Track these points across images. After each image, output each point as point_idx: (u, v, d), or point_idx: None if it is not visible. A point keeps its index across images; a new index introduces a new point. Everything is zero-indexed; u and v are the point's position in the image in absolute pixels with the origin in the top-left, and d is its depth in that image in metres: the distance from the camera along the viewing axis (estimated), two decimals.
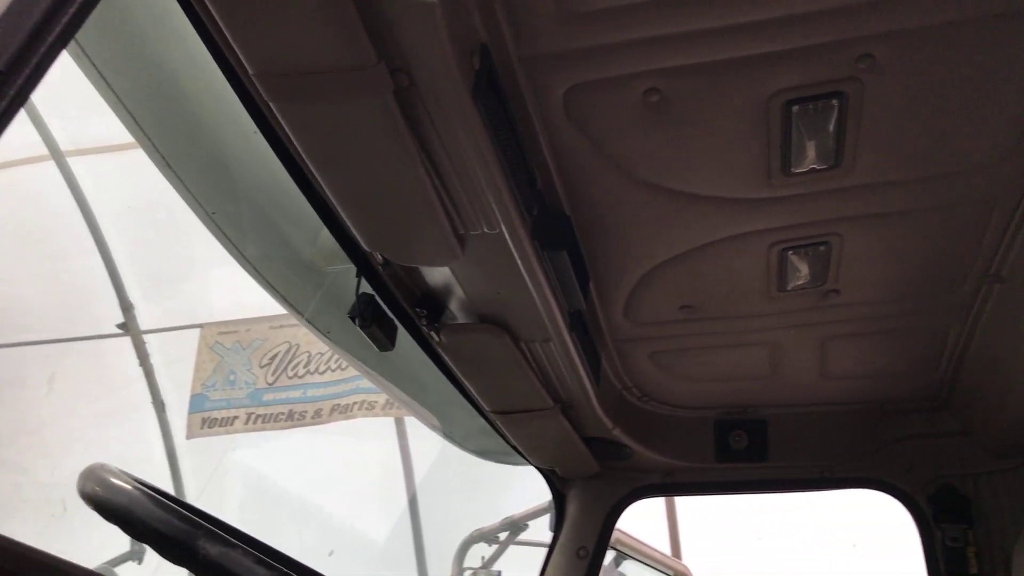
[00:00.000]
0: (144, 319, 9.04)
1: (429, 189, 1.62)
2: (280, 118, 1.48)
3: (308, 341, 9.47)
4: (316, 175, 1.63)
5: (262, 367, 9.77)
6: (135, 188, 7.41)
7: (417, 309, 2.14)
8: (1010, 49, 1.58)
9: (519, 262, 1.86)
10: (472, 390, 2.52)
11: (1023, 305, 2.27)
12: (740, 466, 3.09)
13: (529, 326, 2.17)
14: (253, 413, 9.61)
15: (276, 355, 9.76)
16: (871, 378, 2.84)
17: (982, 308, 2.42)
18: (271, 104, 1.45)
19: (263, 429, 9.51)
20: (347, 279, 2.10)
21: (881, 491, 3.07)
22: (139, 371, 9.05)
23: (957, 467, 2.99)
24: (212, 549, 1.19)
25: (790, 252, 2.16)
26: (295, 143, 1.55)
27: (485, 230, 1.75)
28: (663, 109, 1.70)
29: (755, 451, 3.05)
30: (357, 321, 2.03)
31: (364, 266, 2.00)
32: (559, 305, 2.09)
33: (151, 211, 7.76)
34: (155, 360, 9.19)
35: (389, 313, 2.10)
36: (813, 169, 1.85)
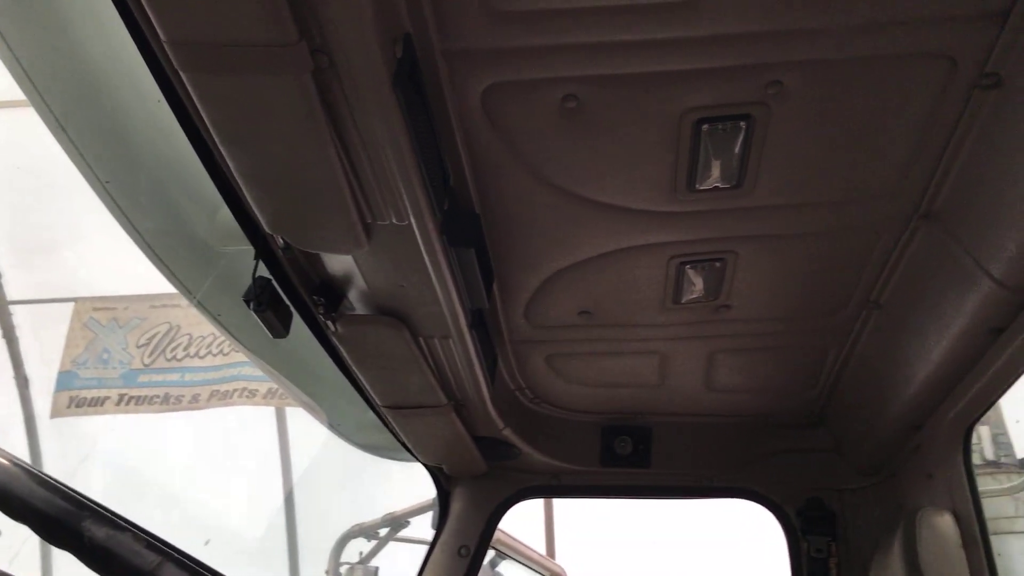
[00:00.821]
0: (12, 288, 8.53)
1: (339, 175, 1.58)
2: (190, 89, 1.42)
3: (190, 323, 9.15)
4: (222, 150, 1.57)
5: (139, 347, 9.38)
6: (21, 149, 6.97)
7: (315, 297, 2.09)
8: (904, 89, 1.67)
9: (425, 256, 1.85)
10: (364, 383, 2.49)
11: (895, 333, 2.41)
12: (624, 471, 3.16)
13: (429, 322, 2.16)
14: (126, 395, 9.22)
15: (155, 336, 9.39)
16: (753, 393, 2.95)
17: (860, 333, 2.56)
18: (181, 73, 1.39)
19: (136, 412, 9.12)
20: (244, 261, 2.03)
21: (755, 502, 3.19)
22: (2, 343, 8.53)
23: (825, 482, 3.14)
24: (98, 532, 1.11)
25: (688, 266, 2.22)
26: (203, 116, 1.49)
27: (393, 221, 1.73)
28: (579, 116, 1.73)
29: (639, 457, 3.13)
30: (251, 305, 1.97)
31: (263, 249, 1.94)
32: (462, 303, 2.09)
33: (36, 175, 7.32)
34: (21, 333, 8.68)
35: (285, 299, 2.05)
36: (716, 187, 1.91)
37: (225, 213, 1.96)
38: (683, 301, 2.39)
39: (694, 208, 1.99)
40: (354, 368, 2.40)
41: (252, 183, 1.66)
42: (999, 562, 3.25)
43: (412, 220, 1.72)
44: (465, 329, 2.19)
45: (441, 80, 1.64)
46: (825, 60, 1.59)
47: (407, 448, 2.95)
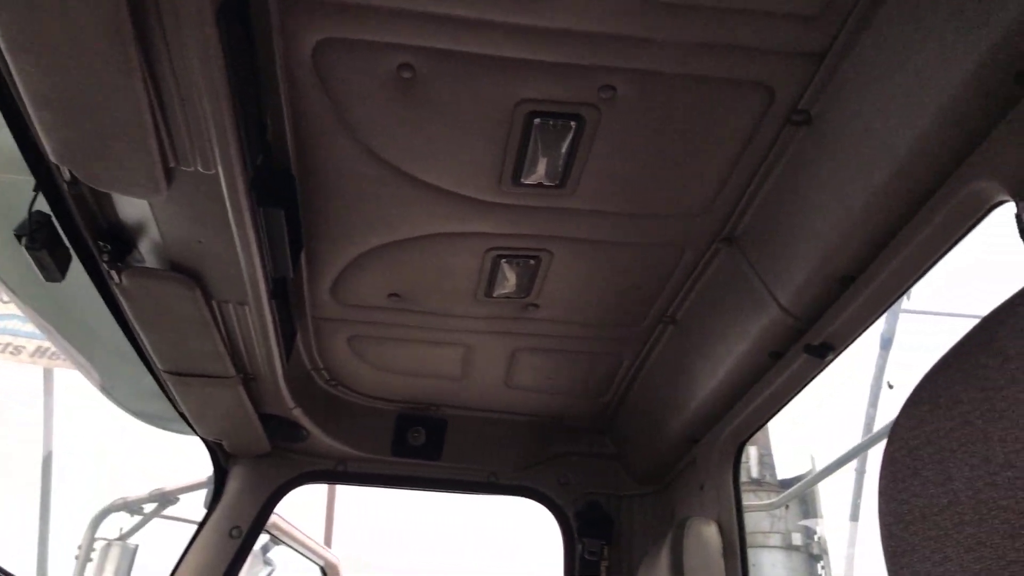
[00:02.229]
0: None
1: (144, 107, 1.43)
2: None
3: None
4: (8, 59, 1.38)
5: None
6: None
7: (100, 243, 1.89)
8: (726, 114, 1.75)
9: (230, 211, 1.72)
10: (146, 344, 2.29)
11: (686, 349, 2.52)
12: (413, 462, 3.12)
13: (226, 285, 2.01)
14: None
15: None
16: (548, 394, 3.00)
17: (654, 346, 2.66)
18: None
19: None
20: (20, 192, 1.81)
21: (538, 501, 3.25)
22: None
23: (606, 487, 3.25)
24: None
25: (504, 260, 2.22)
26: None
27: (199, 168, 1.59)
28: (414, 89, 1.67)
29: (431, 449, 3.10)
30: (24, 241, 1.75)
31: (45, 180, 1.74)
32: (264, 268, 1.96)
33: None
34: None
35: (65, 240, 1.84)
36: (541, 184, 1.91)
37: (5, 135, 1.74)
38: (495, 295, 2.38)
39: (517, 202, 1.99)
40: (136, 326, 2.20)
41: (41, 104, 1.47)
42: (751, 571, 3.49)
43: (220, 170, 1.59)
44: (265, 297, 2.07)
45: (272, 24, 1.53)
46: (659, 72, 1.63)
47: (185, 419, 2.76)
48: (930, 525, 1.16)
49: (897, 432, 1.25)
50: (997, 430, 1.04)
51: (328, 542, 7.98)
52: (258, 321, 2.17)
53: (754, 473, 4.26)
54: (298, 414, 2.77)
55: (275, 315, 2.19)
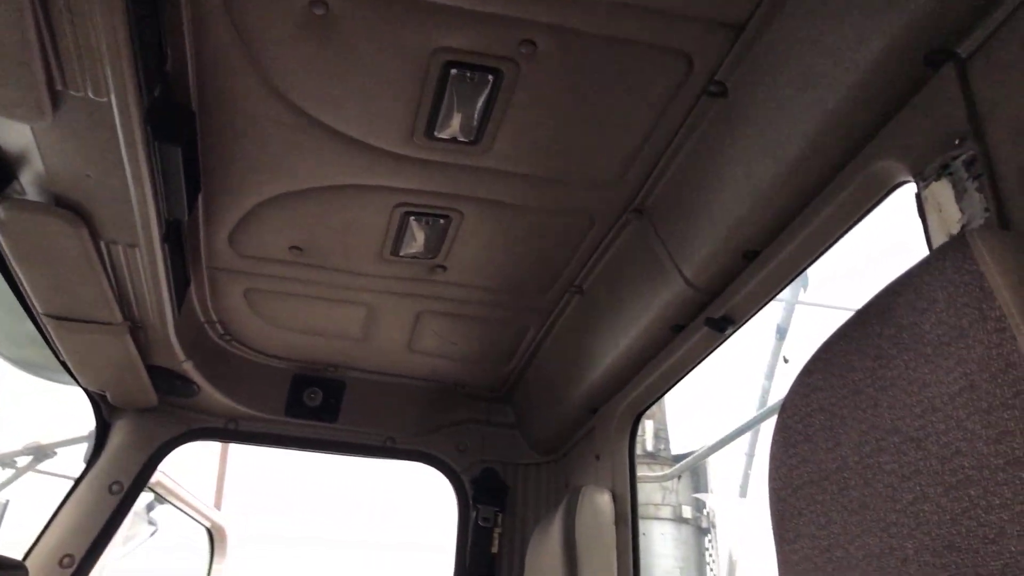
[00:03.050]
0: None
1: (28, 20, 1.32)
2: None
3: None
4: None
5: None
6: None
7: None
8: (644, 80, 1.74)
9: (122, 144, 1.61)
10: (25, 285, 2.15)
11: (591, 320, 2.53)
12: (308, 423, 3.05)
13: (115, 224, 1.90)
14: None
15: None
16: (451, 360, 2.97)
17: (560, 315, 2.66)
18: None
19: None
20: None
21: (434, 467, 3.23)
22: None
23: (503, 456, 3.25)
24: None
25: (412, 218, 2.16)
26: None
27: (89, 94, 1.48)
28: (327, 28, 1.60)
29: (327, 411, 3.04)
30: None
31: None
32: (157, 209, 1.86)
33: None
34: None
35: None
36: (455, 139, 1.87)
37: None
38: (401, 254, 2.33)
39: (429, 157, 1.94)
40: (14, 265, 2.06)
41: None
42: (642, 541, 3.56)
43: (112, 97, 1.49)
44: (157, 240, 1.96)
45: None
46: (580, 31, 1.60)
47: (67, 368, 2.61)
48: (817, 489, 1.19)
49: (790, 400, 1.27)
50: (886, 397, 1.06)
51: (218, 505, 7.79)
52: (148, 265, 2.06)
53: (649, 447, 4.35)
54: (188, 368, 2.66)
55: (167, 260, 2.08)
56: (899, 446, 1.02)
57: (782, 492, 1.25)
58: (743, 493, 6.38)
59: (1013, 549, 0.85)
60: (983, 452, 0.89)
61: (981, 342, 0.92)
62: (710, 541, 5.22)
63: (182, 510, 3.88)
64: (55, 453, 3.65)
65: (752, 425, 5.82)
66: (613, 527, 2.42)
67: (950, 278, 0.99)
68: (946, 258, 1.01)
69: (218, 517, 4.17)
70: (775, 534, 1.27)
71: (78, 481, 2.79)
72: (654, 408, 4.51)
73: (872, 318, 1.13)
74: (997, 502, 0.87)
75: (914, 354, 1.02)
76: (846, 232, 1.64)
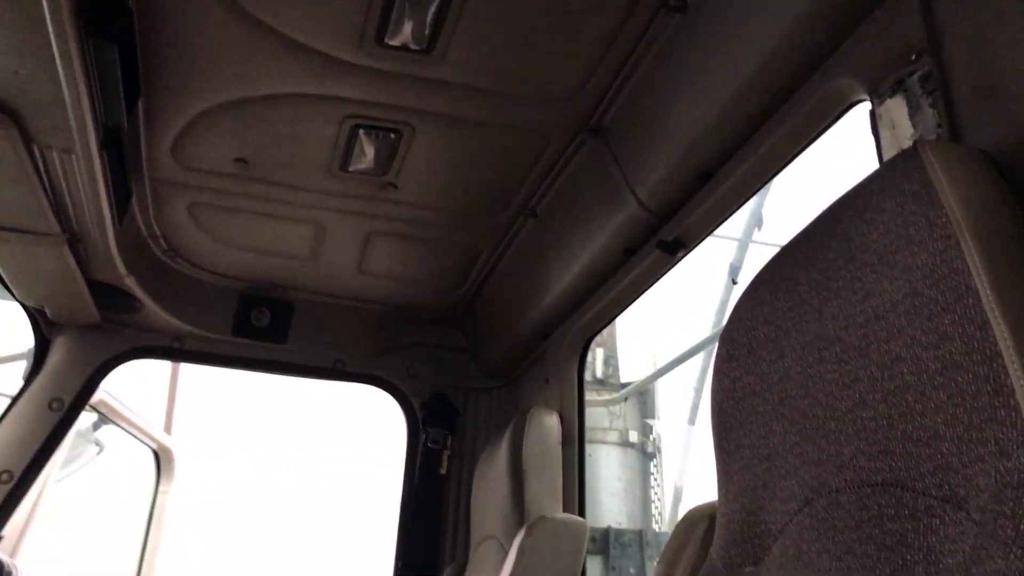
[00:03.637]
0: None
1: None
2: None
3: None
4: None
5: None
6: None
7: None
8: None
9: (53, 39, 1.52)
10: None
11: (543, 243, 2.51)
12: (256, 344, 3.01)
13: (49, 127, 1.81)
14: None
15: None
16: (402, 283, 2.94)
17: (513, 238, 2.64)
18: None
19: None
20: None
21: (384, 389, 3.22)
22: None
23: (454, 380, 3.25)
24: None
25: (362, 130, 2.10)
26: None
27: None
28: None
29: (276, 331, 3.00)
30: None
31: None
32: (93, 111, 1.77)
33: None
34: None
35: None
36: (406, 47, 1.80)
37: None
38: (350, 170, 2.27)
39: (379, 65, 1.87)
40: None
41: None
42: (589, 464, 3.63)
43: None
44: (94, 146, 1.88)
45: None
46: None
47: (2, 282, 2.53)
48: (759, 401, 1.19)
49: (736, 314, 1.26)
50: (830, 308, 1.06)
51: (168, 428, 7.75)
52: (86, 173, 1.98)
53: (599, 374, 4.41)
54: (130, 283, 2.59)
55: (106, 168, 2.00)
56: (841, 355, 1.02)
57: (724, 404, 1.26)
58: (692, 421, 6.54)
59: (945, 451, 0.86)
60: (922, 357, 0.89)
61: (927, 250, 0.91)
62: (655, 465, 5.38)
63: (127, 431, 3.84)
64: None
65: (697, 350, 5.92)
66: (559, 448, 2.44)
67: (899, 187, 0.98)
68: (896, 169, 1.00)
69: (165, 439, 4.14)
70: (716, 445, 1.28)
71: (16, 398, 2.73)
72: (605, 336, 4.55)
73: (820, 231, 1.12)
74: (932, 406, 0.87)
75: (860, 264, 1.01)
76: (800, 152, 1.63)
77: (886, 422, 0.95)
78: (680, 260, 2.08)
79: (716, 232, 2.08)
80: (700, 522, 1.37)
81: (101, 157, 1.94)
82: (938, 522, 0.88)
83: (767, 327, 1.20)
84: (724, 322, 1.33)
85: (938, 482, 0.89)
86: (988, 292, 0.83)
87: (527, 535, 2.10)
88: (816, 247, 1.12)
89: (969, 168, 0.96)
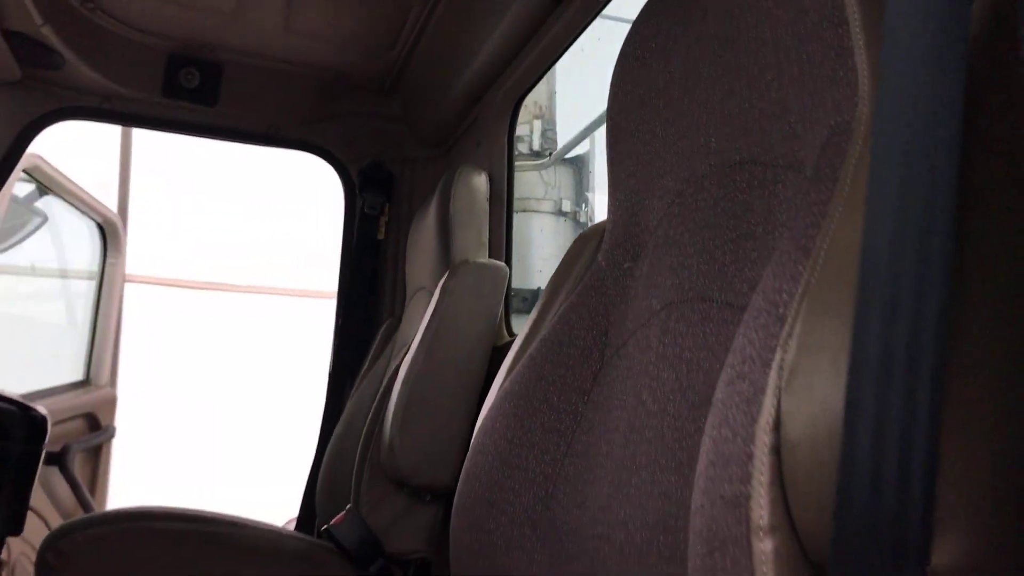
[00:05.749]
0: None
1: None
2: None
3: None
4: None
5: None
6: None
7: None
8: None
9: None
10: None
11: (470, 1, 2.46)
12: (187, 106, 2.97)
13: None
14: None
15: None
16: (332, 43, 2.88)
17: None
18: None
19: None
20: None
21: (320, 156, 3.24)
22: None
23: (390, 149, 3.27)
24: None
25: None
26: None
27: None
28: None
29: (205, 93, 2.95)
30: None
31: None
32: None
33: None
34: None
35: None
36: None
37: None
38: None
39: None
40: None
41: None
42: (521, 229, 3.74)
43: None
44: None
45: None
46: None
47: None
48: (647, 109, 1.24)
49: (634, 28, 1.29)
50: (713, 3, 1.09)
51: (124, 211, 7.72)
52: None
53: (536, 146, 4.45)
54: (47, 32, 2.50)
55: None
56: (717, 50, 1.06)
57: (617, 118, 1.31)
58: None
59: (793, 121, 0.93)
60: (782, 36, 0.93)
61: None
62: None
63: (69, 202, 3.84)
64: None
65: None
66: (487, 204, 2.51)
67: None
68: None
69: (108, 211, 4.15)
70: (608, 159, 1.34)
71: None
72: (543, 108, 4.55)
73: None
74: (787, 80, 0.93)
75: None
76: None
77: (747, 104, 1.01)
78: (606, 4, 2.06)
79: None
80: (593, 238, 1.46)
81: None
82: (781, 187, 0.96)
83: (658, 37, 1.23)
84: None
85: (785, 151, 0.96)
86: None
87: (450, 276, 2.21)
88: None
89: None
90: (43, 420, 1.87)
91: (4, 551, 2.24)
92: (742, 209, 1.00)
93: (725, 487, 0.69)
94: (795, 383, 0.67)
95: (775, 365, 0.70)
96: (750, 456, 0.67)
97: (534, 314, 1.44)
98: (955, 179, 0.59)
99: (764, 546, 0.65)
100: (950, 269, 0.58)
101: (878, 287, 0.59)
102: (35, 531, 3.00)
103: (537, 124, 4.31)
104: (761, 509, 0.65)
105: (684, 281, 1.08)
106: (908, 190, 0.60)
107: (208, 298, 8.27)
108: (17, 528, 1.88)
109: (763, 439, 0.67)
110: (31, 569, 3.18)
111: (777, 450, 0.66)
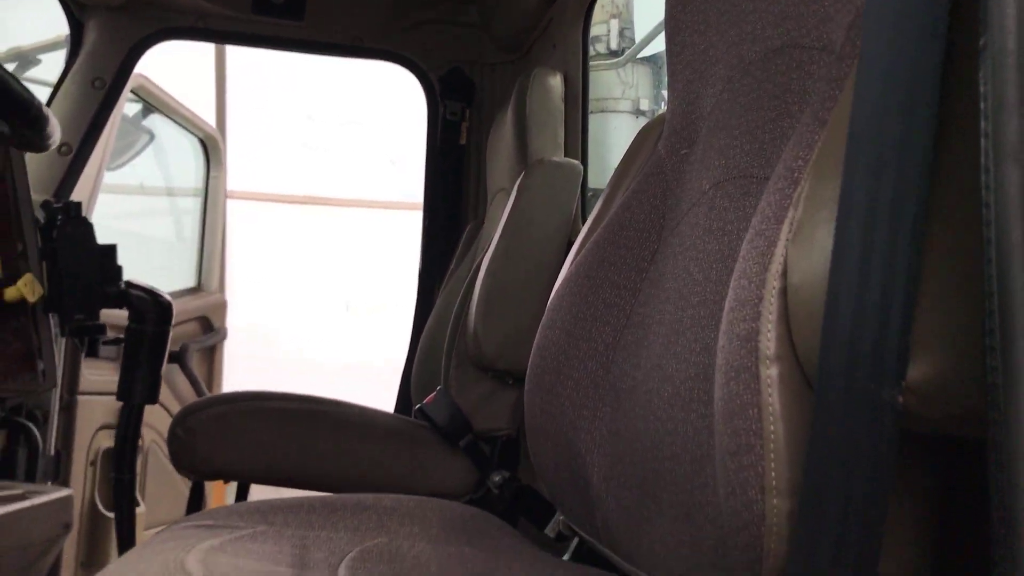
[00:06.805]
0: None
1: None
2: None
3: None
4: None
5: None
6: None
7: None
8: None
9: None
10: None
11: None
12: (277, 21, 3.11)
13: None
14: None
15: None
16: None
17: None
18: None
19: None
20: None
21: (402, 65, 3.35)
22: None
23: (469, 55, 3.36)
24: None
25: None
26: None
27: None
28: None
29: (293, 8, 3.08)
30: None
31: None
32: None
33: None
34: None
35: None
36: None
37: None
38: None
39: None
40: None
41: None
42: (599, 128, 3.79)
43: None
44: None
45: None
46: None
47: None
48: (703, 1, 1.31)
49: None
50: None
51: (222, 124, 8.01)
52: None
53: (613, 46, 4.43)
54: None
55: None
56: None
57: (674, 10, 1.38)
58: None
59: (827, 4, 0.99)
60: None
61: None
62: None
63: (173, 119, 4.08)
64: (39, 60, 3.73)
65: None
66: (562, 105, 2.59)
67: None
68: None
69: (210, 128, 4.39)
70: (667, 51, 1.42)
71: (62, 78, 2.93)
72: (620, 6, 4.52)
73: None
74: None
75: None
76: None
77: None
78: None
79: None
80: (654, 128, 1.55)
81: None
82: (815, 67, 1.04)
83: None
84: None
85: (819, 34, 1.03)
86: None
87: (526, 176, 2.32)
88: None
89: None
90: (169, 304, 2.11)
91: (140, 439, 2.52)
92: (781, 90, 1.08)
93: (740, 325, 0.80)
94: (800, 235, 0.77)
95: (787, 222, 0.81)
96: (760, 298, 0.78)
97: (600, 202, 1.55)
98: (942, 41, 0.67)
99: (770, 372, 0.76)
100: (934, 125, 0.67)
101: (866, 143, 0.68)
102: (162, 421, 3.33)
103: (615, 23, 4.29)
104: (768, 342, 0.77)
105: (730, 161, 1.17)
106: (897, 54, 0.68)
107: (304, 212, 8.57)
108: (152, 398, 2.15)
109: (772, 284, 0.78)
110: (161, 455, 3.54)
111: (784, 292, 0.77)
